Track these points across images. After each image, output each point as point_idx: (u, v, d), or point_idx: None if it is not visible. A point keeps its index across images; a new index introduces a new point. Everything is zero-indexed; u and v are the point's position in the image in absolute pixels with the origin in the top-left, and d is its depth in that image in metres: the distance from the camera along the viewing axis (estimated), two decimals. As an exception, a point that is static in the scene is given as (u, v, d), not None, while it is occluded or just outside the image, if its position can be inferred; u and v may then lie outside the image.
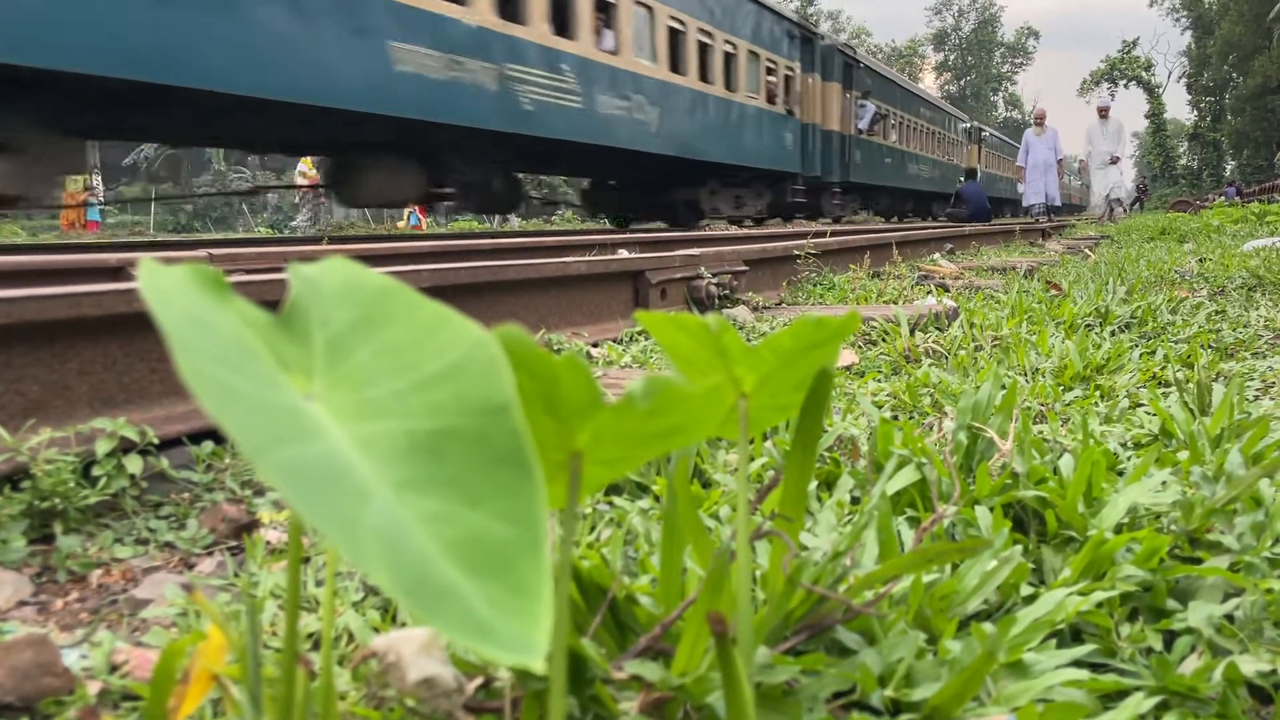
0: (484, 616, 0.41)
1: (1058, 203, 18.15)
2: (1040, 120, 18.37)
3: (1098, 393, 2.10)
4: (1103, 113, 18.79)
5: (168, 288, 0.49)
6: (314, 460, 0.44)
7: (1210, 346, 2.75)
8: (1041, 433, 1.65)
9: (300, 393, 0.48)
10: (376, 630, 1.00)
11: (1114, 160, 18.71)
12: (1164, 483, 1.20)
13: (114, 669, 0.96)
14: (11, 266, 3.32)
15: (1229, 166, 55.19)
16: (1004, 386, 1.55)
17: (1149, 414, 1.80)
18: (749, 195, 15.88)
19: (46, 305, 1.60)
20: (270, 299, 1.97)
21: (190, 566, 1.32)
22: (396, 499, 0.44)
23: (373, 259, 4.55)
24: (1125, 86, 57.01)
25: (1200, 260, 5.85)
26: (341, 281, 0.54)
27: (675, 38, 12.60)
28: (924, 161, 27.67)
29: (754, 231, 10.74)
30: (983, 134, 36.53)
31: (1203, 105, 56.84)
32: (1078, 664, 0.84)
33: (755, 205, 16.30)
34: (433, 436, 0.46)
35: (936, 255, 7.53)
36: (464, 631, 0.41)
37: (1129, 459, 1.49)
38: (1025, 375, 2.29)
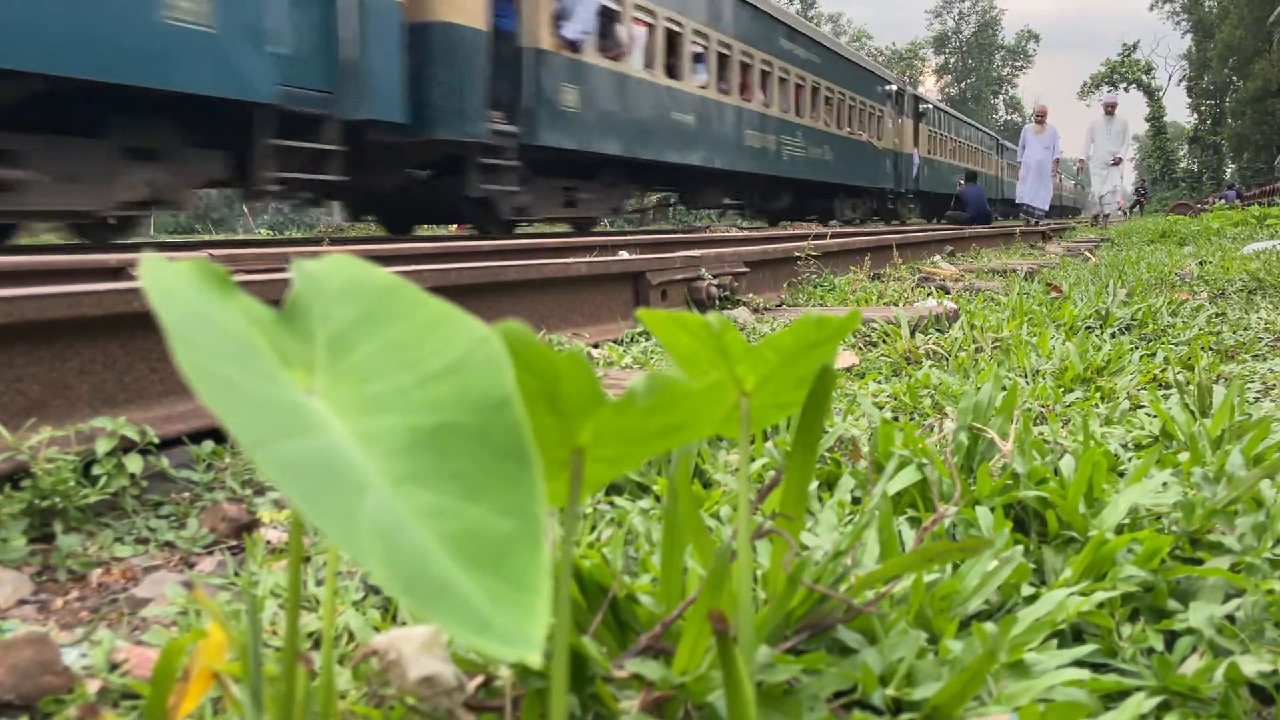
0: (482, 610, 0.41)
1: (1045, 206, 17.21)
2: (1041, 118, 17.31)
3: (1098, 394, 2.10)
4: (1109, 109, 17.35)
5: (170, 284, 0.49)
6: (312, 454, 0.44)
7: (1210, 349, 2.75)
8: (1042, 434, 1.65)
9: (301, 388, 0.48)
10: (377, 629, 1.00)
11: (1116, 161, 17.26)
12: (1165, 484, 1.20)
13: (114, 667, 0.96)
14: (12, 266, 3.32)
15: (1229, 169, 55.20)
16: (1004, 388, 1.55)
17: (1149, 415, 1.80)
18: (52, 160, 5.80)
19: (47, 304, 1.60)
20: (271, 299, 1.97)
21: (190, 565, 1.32)
22: (394, 493, 0.44)
23: (376, 260, 4.55)
24: (1125, 90, 57.05)
25: (1200, 263, 5.85)
26: (344, 278, 0.54)
27: None
28: (805, 135, 16.96)
29: (755, 234, 10.32)
30: (922, 106, 25.61)
31: (1203, 108, 56.86)
32: (1079, 664, 0.83)
33: (130, 185, 6.36)
34: (435, 432, 0.46)
35: (937, 257, 7.53)
36: (461, 625, 0.41)
37: (1130, 460, 1.49)
38: (1026, 377, 2.29)
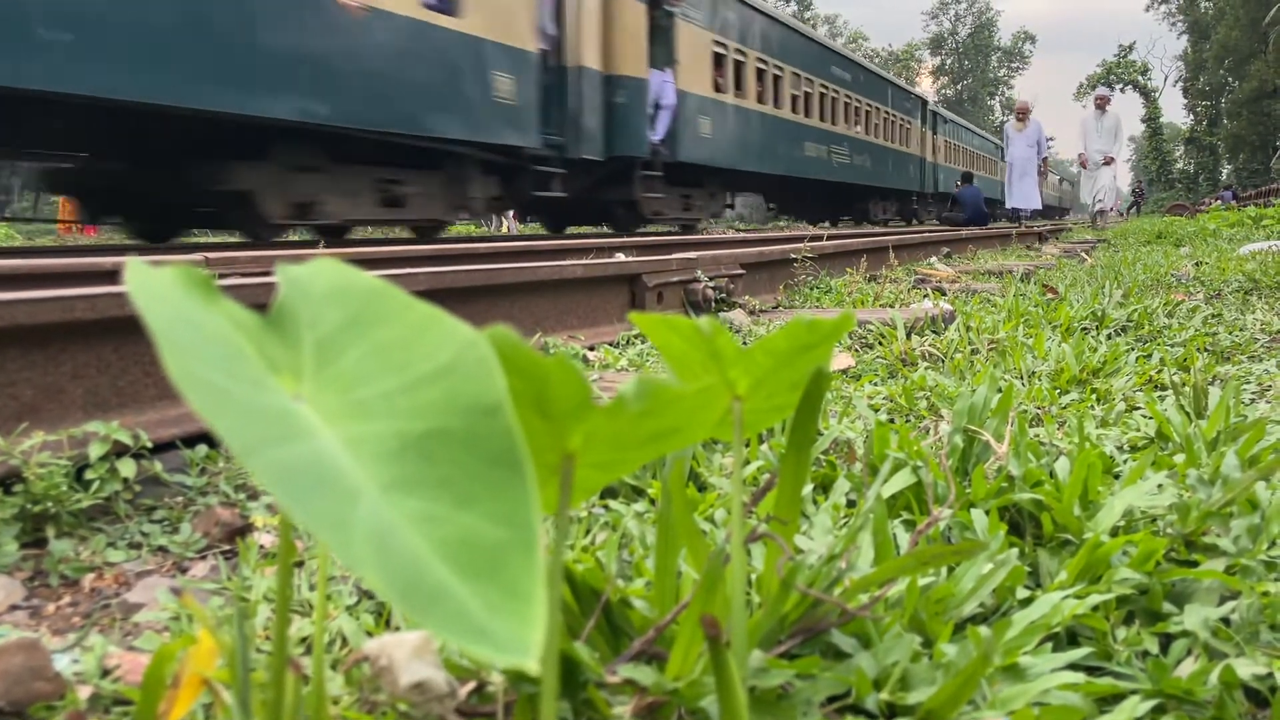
0: (478, 618, 0.40)
1: (1038, 206, 15.98)
2: (1023, 114, 15.82)
3: (1094, 396, 2.10)
4: (1100, 103, 15.97)
5: (155, 289, 0.48)
6: (303, 461, 0.43)
7: (1206, 350, 2.75)
8: (1037, 436, 1.64)
9: (289, 394, 0.48)
10: (369, 634, 0.99)
11: (1108, 161, 15.77)
12: (1160, 486, 1.20)
13: (106, 673, 0.96)
14: (7, 270, 3.31)
15: (1225, 170, 55.36)
16: (1000, 390, 1.55)
17: (1145, 417, 1.80)
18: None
19: (40, 308, 1.60)
20: (264, 302, 1.97)
21: (183, 570, 1.31)
22: (385, 499, 0.43)
23: (368, 263, 4.55)
24: (1122, 90, 57.15)
25: (1196, 264, 5.86)
26: (330, 283, 0.53)
27: None
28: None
29: (751, 236, 10.32)
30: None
31: (1199, 109, 57.05)
32: (1074, 667, 0.83)
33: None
34: (423, 437, 0.46)
35: (933, 259, 7.54)
36: (457, 633, 0.40)
37: (1125, 462, 1.49)
38: (1021, 378, 2.29)
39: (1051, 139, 16.08)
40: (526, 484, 0.44)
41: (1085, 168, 16.10)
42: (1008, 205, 16.09)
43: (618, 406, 0.53)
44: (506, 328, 0.52)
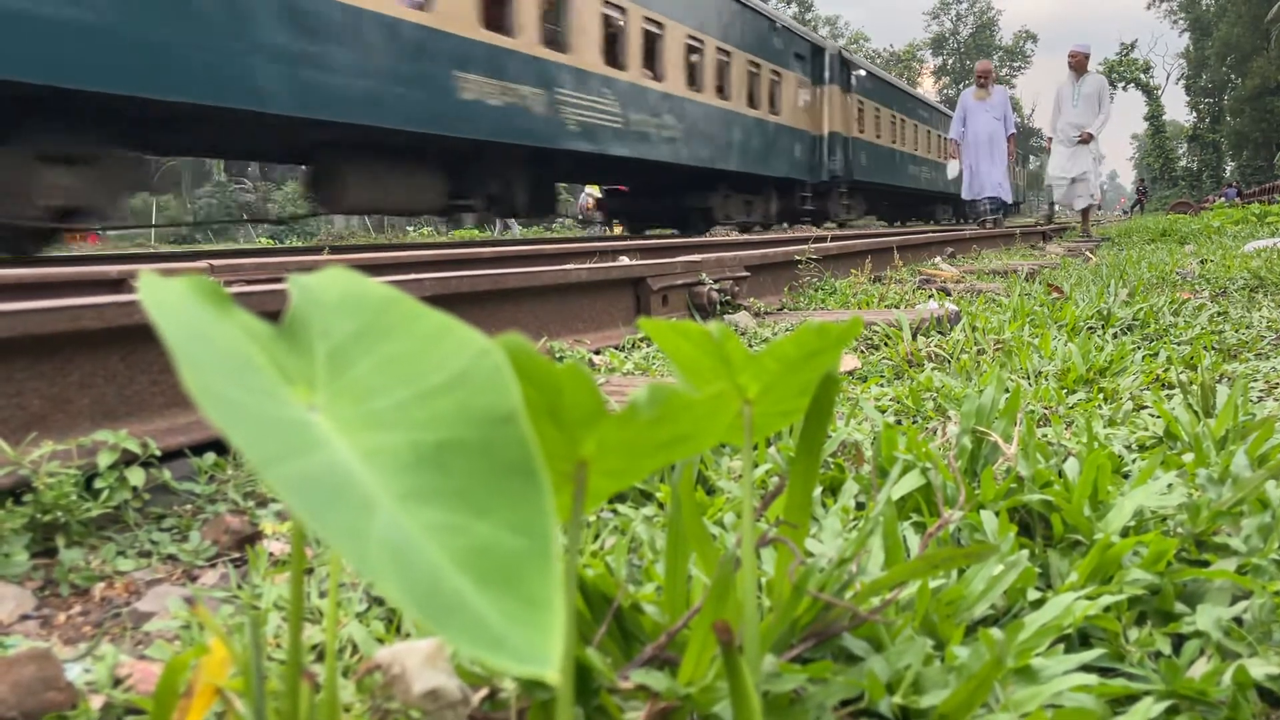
0: (496, 628, 0.40)
1: (1008, 198, 12.54)
2: (984, 78, 12.10)
3: (1101, 395, 2.10)
4: (1076, 62, 11.23)
5: (169, 301, 0.48)
6: (319, 473, 0.43)
7: (1213, 348, 2.74)
8: (1045, 436, 1.64)
9: (303, 405, 0.48)
10: (381, 641, 1.00)
11: (1084, 139, 11.14)
12: (1170, 485, 1.19)
13: (117, 683, 0.96)
14: (13, 279, 3.32)
15: (1228, 167, 55.29)
16: (1007, 390, 1.55)
17: (1153, 416, 1.79)
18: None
19: (47, 318, 1.60)
20: (271, 310, 1.97)
21: (193, 579, 1.32)
22: (401, 510, 0.43)
23: (374, 268, 4.56)
24: (1124, 89, 57.11)
25: (1201, 262, 5.85)
26: (342, 292, 0.54)
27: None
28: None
29: (755, 238, 10.47)
30: None
31: (1201, 107, 57.03)
32: (1086, 669, 0.83)
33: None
34: (437, 448, 0.46)
35: (937, 259, 7.53)
36: (476, 643, 0.40)
37: (1134, 462, 1.48)
38: (1028, 378, 2.29)
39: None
40: (542, 493, 0.44)
41: (1049, 150, 11.84)
42: (967, 196, 12.56)
43: (630, 414, 0.53)
44: (519, 336, 0.52)
